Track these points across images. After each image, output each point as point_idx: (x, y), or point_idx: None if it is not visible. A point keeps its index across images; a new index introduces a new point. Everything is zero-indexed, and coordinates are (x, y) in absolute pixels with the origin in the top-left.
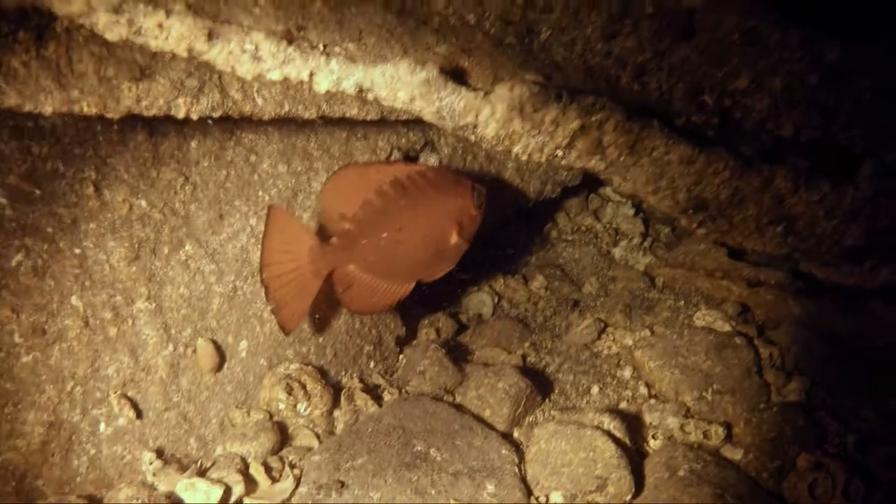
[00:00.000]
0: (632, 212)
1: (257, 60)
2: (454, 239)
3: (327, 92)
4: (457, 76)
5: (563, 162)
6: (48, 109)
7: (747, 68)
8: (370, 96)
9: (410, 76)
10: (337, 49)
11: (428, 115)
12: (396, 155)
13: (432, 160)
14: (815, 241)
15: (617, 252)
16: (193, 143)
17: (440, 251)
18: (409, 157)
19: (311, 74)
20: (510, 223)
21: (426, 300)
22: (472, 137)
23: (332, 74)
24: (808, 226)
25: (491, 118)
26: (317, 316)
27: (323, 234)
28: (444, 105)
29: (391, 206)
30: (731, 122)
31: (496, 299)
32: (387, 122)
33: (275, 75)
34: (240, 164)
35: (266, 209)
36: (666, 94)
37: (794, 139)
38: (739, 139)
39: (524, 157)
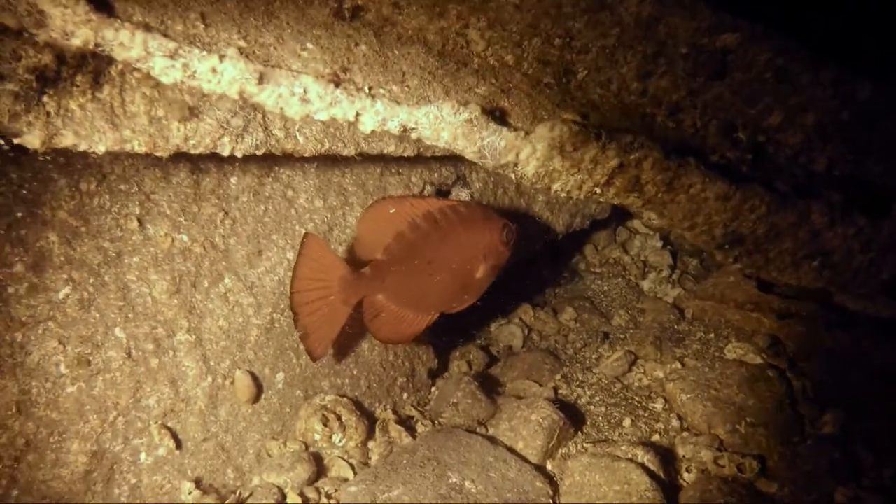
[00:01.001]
0: (660, 244)
1: (306, 102)
2: (480, 274)
3: (372, 132)
4: (497, 116)
5: (602, 199)
6: (101, 149)
7: (780, 105)
8: (414, 136)
9: (454, 116)
10: (382, 91)
11: (470, 153)
12: (429, 190)
13: (464, 195)
14: (850, 275)
15: (646, 284)
16: (233, 179)
17: (466, 285)
18: (442, 192)
19: (358, 115)
20: (540, 255)
21: (458, 331)
22: (513, 175)
23: (377, 115)
24: (844, 259)
25: (531, 157)
26: (344, 343)
27: (355, 263)
28: (486, 144)
29: (422, 240)
30: (764, 157)
31: (526, 331)
32: (421, 157)
33: (322, 116)
34: (277, 199)
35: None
36: (700, 131)
37: (827, 173)
38: (773, 174)
39: (563, 195)
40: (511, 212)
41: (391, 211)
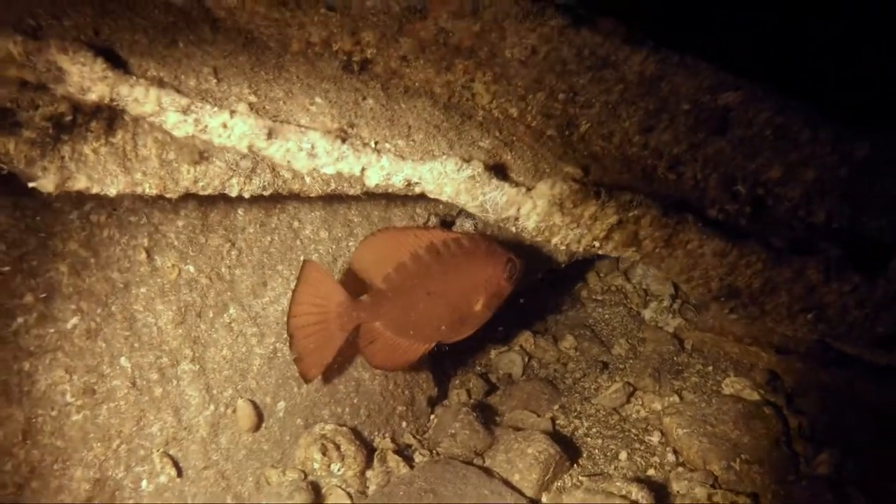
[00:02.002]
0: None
1: (313, 157)
2: (479, 307)
3: (377, 185)
4: (499, 169)
5: (600, 252)
6: (113, 191)
7: (779, 160)
8: (417, 189)
9: (457, 173)
10: (387, 145)
11: (472, 208)
12: (434, 221)
13: (468, 225)
14: (845, 329)
15: (647, 314)
16: (240, 211)
17: (465, 316)
18: (446, 223)
19: (363, 170)
20: (542, 283)
21: (457, 358)
22: (514, 229)
23: (382, 171)
24: (840, 314)
25: (532, 212)
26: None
27: (352, 289)
28: (488, 199)
29: (423, 271)
30: (764, 210)
31: (526, 359)
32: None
33: (329, 170)
34: (283, 230)
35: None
36: (701, 184)
37: (825, 227)
38: (772, 227)
39: (562, 247)
40: (514, 242)
41: (394, 241)
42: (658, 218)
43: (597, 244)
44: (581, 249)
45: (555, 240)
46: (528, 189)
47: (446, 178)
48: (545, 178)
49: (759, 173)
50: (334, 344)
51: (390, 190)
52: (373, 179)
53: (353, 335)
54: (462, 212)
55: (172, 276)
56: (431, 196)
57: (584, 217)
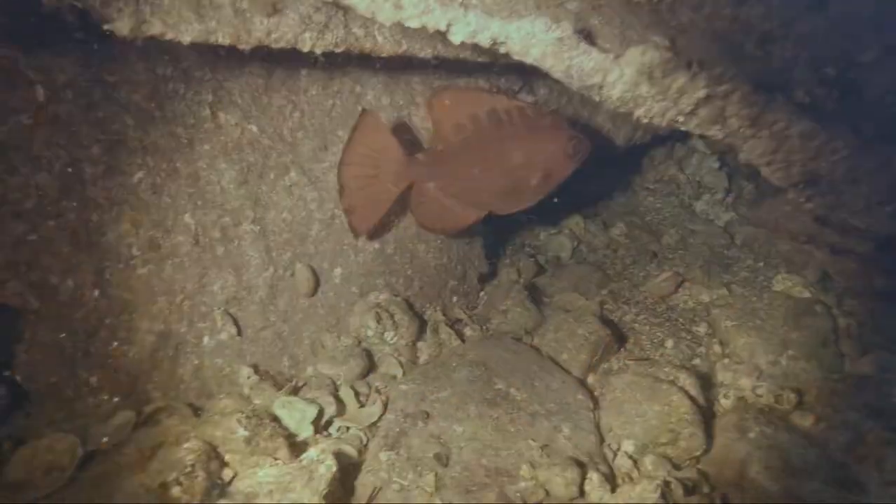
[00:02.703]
0: (717, 165)
1: (398, 9)
2: (535, 181)
3: (462, 43)
4: (585, 33)
5: (683, 128)
6: (187, 39)
7: (875, 44)
8: (502, 49)
9: (545, 34)
10: (474, 1)
11: (557, 72)
12: None
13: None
14: None
15: (699, 205)
16: (304, 71)
17: (519, 189)
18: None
19: (449, 25)
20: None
21: (507, 238)
22: (597, 97)
23: (468, 26)
24: None
25: (619, 81)
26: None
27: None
28: (574, 65)
29: (482, 136)
30: (853, 95)
31: (575, 243)
32: (494, 65)
33: (414, 24)
34: (345, 94)
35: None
36: (789, 64)
37: None
38: (861, 114)
39: (644, 120)
40: (573, 121)
41: (456, 100)
42: (748, 95)
43: (681, 119)
44: (664, 123)
45: (639, 112)
46: (617, 56)
47: (534, 38)
48: (634, 45)
49: (852, 56)
50: (387, 199)
51: (462, 51)
52: (459, 36)
53: (406, 194)
54: (524, 87)
55: (235, 134)
56: (516, 57)
57: (671, 89)
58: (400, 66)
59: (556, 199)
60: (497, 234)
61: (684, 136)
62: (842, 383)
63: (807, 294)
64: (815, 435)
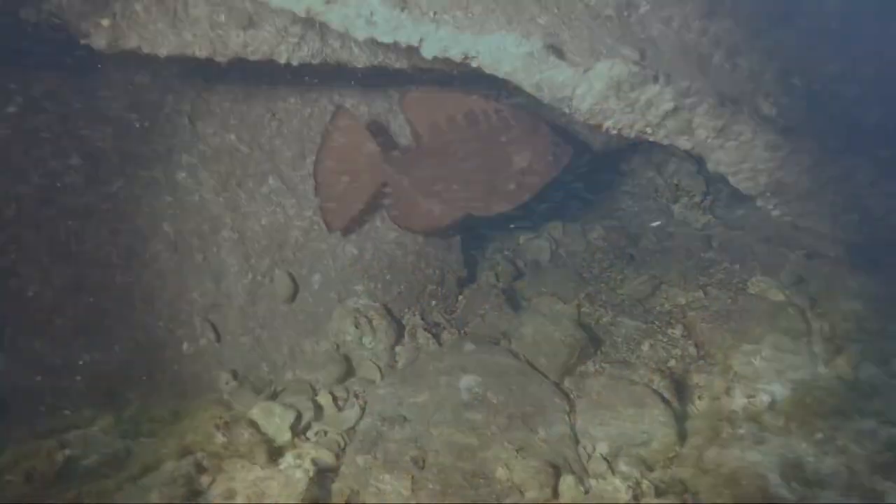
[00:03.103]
0: (695, 168)
1: (371, 25)
2: (512, 186)
3: (434, 57)
4: (555, 47)
5: (651, 139)
6: (163, 52)
7: (840, 56)
8: (474, 64)
9: (516, 48)
10: (446, 17)
11: (527, 86)
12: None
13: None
14: (889, 232)
15: (676, 209)
16: (282, 81)
17: (496, 192)
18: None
19: (421, 40)
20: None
21: (485, 242)
22: (567, 110)
23: (440, 42)
24: (883, 217)
25: (588, 94)
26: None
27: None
28: (544, 78)
29: (458, 137)
30: (819, 106)
31: (554, 246)
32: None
33: (387, 39)
34: (323, 102)
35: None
36: (756, 75)
37: (876, 127)
38: (826, 126)
39: (613, 132)
40: (553, 125)
41: (430, 102)
42: (714, 107)
43: (649, 130)
44: (633, 135)
45: (608, 123)
46: (586, 70)
47: (504, 52)
48: (603, 59)
49: (818, 68)
50: (362, 195)
51: (437, 62)
52: (430, 51)
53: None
54: (502, 91)
55: (214, 143)
56: (487, 71)
57: (639, 102)
58: (378, 75)
59: (543, 205)
60: (476, 238)
61: None
62: (814, 384)
63: (781, 297)
64: (788, 434)
